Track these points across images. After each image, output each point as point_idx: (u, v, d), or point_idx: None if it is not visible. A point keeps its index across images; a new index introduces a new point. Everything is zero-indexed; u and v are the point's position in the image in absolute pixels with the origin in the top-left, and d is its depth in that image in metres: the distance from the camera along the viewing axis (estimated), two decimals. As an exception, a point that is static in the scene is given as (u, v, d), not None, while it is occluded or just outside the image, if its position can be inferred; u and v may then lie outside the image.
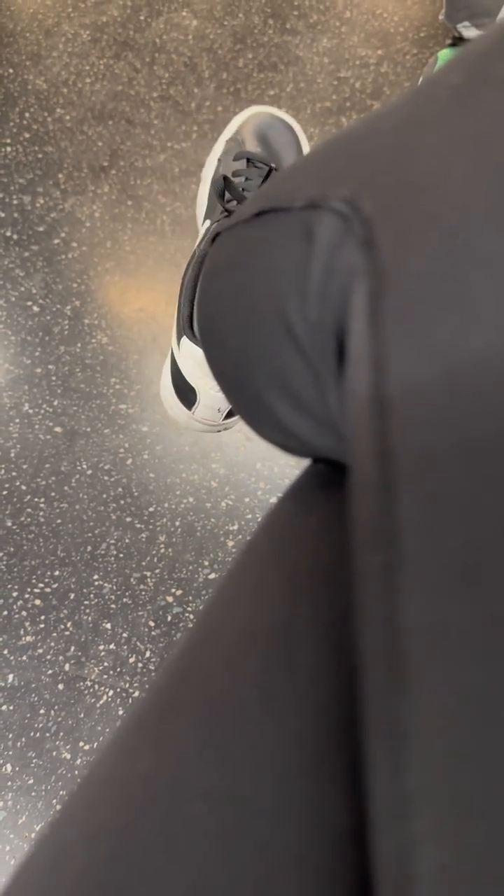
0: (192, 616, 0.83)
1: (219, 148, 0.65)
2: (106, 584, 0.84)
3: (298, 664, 0.22)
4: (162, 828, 0.19)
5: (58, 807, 0.25)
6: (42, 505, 0.86)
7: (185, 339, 0.59)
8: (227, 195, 0.59)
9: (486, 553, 0.15)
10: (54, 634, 0.82)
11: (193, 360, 0.59)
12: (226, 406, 0.61)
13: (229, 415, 0.63)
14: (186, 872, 0.19)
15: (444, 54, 0.93)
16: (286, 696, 0.21)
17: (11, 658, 0.81)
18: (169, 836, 0.19)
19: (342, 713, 0.20)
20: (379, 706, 0.16)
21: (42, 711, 0.79)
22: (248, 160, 0.62)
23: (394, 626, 0.16)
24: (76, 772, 0.77)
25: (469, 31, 0.92)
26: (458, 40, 0.96)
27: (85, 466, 0.87)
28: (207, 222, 0.61)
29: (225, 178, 0.58)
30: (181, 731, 0.22)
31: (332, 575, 0.24)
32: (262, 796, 0.19)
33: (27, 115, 1.02)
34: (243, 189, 0.60)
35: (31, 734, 0.78)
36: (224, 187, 0.58)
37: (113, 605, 0.83)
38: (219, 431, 0.67)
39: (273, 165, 0.61)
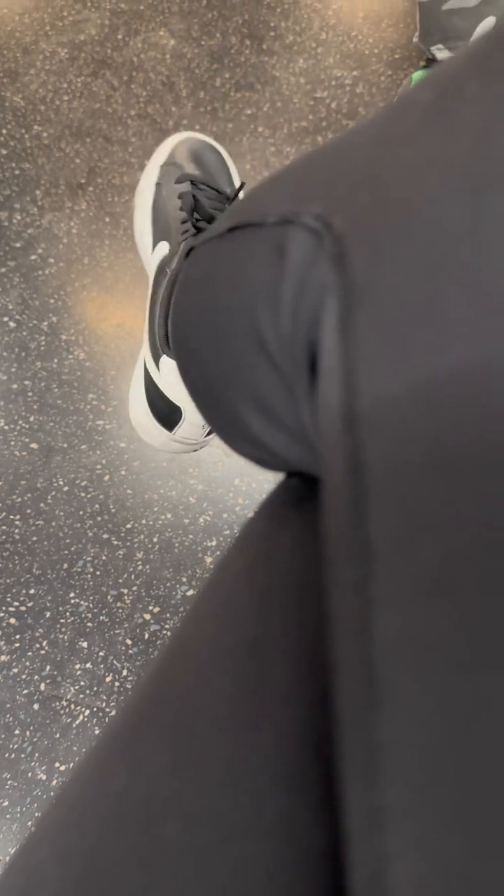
0: (169, 633, 0.83)
1: (153, 173, 0.66)
2: (82, 602, 0.83)
3: (271, 680, 0.22)
4: (135, 847, 0.19)
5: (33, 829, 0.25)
6: (17, 522, 0.85)
7: (165, 359, 0.59)
8: (196, 214, 0.60)
9: (459, 565, 0.15)
10: (30, 653, 0.81)
11: (177, 379, 0.59)
12: None
13: (211, 431, 0.63)
14: (160, 892, 0.18)
15: (418, 75, 0.95)
16: (259, 713, 0.21)
17: (-14, 678, 0.80)
18: (142, 856, 0.19)
19: (316, 728, 0.20)
20: (353, 719, 0.16)
21: (17, 732, 0.78)
22: (192, 182, 0.63)
23: (367, 638, 0.16)
24: (52, 793, 0.76)
25: (442, 54, 0.94)
26: (431, 62, 0.97)
27: (61, 483, 0.87)
28: (164, 244, 0.61)
29: (193, 195, 0.59)
30: (155, 749, 0.22)
31: (305, 590, 0.24)
32: (236, 814, 0.19)
33: (4, 131, 1.02)
34: (197, 200, 0.61)
35: (6, 755, 0.77)
36: (193, 205, 0.59)
37: (90, 624, 0.82)
38: (195, 450, 0.67)
39: (217, 185, 0.62)
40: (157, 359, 0.60)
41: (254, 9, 1.12)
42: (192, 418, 0.61)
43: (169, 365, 0.59)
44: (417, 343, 0.17)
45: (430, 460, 0.16)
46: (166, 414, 0.62)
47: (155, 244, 0.63)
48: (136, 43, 1.09)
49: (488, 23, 0.88)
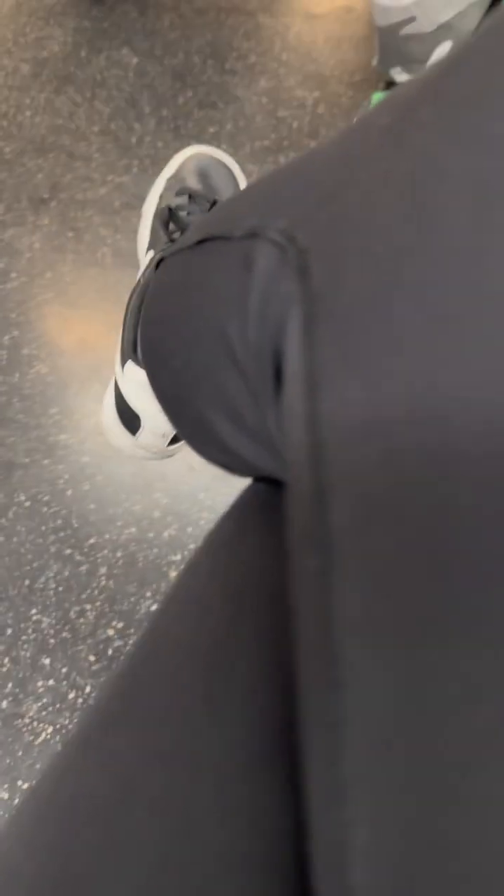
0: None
1: (160, 185, 0.67)
2: (45, 619, 0.82)
3: (239, 675, 0.23)
4: (106, 838, 0.20)
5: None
6: (-21, 538, 0.84)
7: (129, 363, 0.59)
8: (172, 225, 0.60)
9: (410, 550, 0.16)
10: (-9, 671, 0.80)
11: (137, 384, 0.59)
12: (170, 431, 0.62)
13: (173, 440, 0.63)
14: (132, 878, 0.19)
15: (378, 97, 0.97)
16: (228, 705, 0.22)
17: None
18: (113, 846, 0.20)
19: (282, 719, 0.21)
20: (316, 700, 0.17)
21: (-23, 751, 0.77)
22: (190, 196, 0.64)
23: (328, 622, 0.17)
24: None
25: (401, 77, 0.96)
26: (390, 85, 0.99)
27: (23, 498, 0.86)
28: (152, 252, 0.63)
29: (170, 208, 0.59)
30: (125, 745, 0.23)
31: (271, 589, 0.26)
32: (204, 801, 0.20)
33: (-34, 146, 1.02)
34: (189, 213, 0.61)
35: (-34, 776, 0.76)
36: (169, 217, 0.60)
37: (52, 640, 0.81)
38: (161, 459, 0.67)
39: (216, 198, 0.63)
40: (123, 362, 0.61)
41: (216, 30, 1.13)
42: (150, 425, 0.61)
43: (131, 370, 0.59)
44: (371, 352, 0.18)
45: (386, 458, 0.17)
46: (129, 418, 0.62)
47: (147, 250, 0.65)
48: (99, 60, 1.10)
49: (445, 47, 0.90)
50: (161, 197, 0.66)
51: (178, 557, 0.86)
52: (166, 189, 0.67)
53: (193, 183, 0.67)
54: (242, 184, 0.70)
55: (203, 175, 0.67)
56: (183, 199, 0.64)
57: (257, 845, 0.19)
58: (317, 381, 0.19)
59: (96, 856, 0.20)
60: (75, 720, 0.79)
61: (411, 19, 0.89)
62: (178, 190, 0.65)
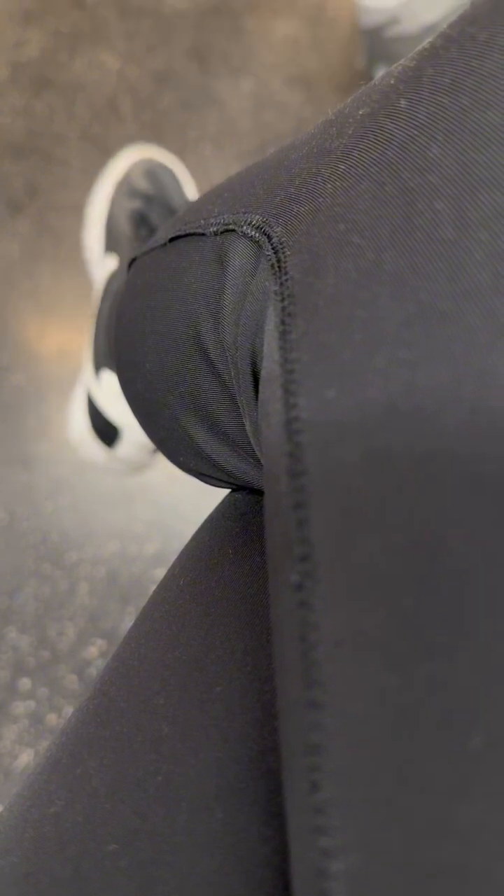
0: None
1: (107, 190, 0.67)
2: (24, 638, 0.80)
3: (215, 695, 0.22)
4: (75, 868, 0.20)
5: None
6: (-46, 555, 0.81)
7: (106, 372, 0.58)
8: (143, 230, 0.60)
9: (397, 561, 0.16)
10: (-34, 694, 0.77)
11: (117, 393, 0.58)
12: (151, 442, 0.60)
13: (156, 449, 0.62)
14: None
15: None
16: (202, 728, 0.22)
17: None
18: (82, 877, 0.19)
19: (261, 741, 0.21)
20: (294, 721, 0.16)
21: (-48, 779, 0.74)
22: (146, 199, 0.64)
23: (308, 638, 0.16)
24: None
25: (386, 78, 0.95)
26: (375, 87, 0.98)
27: (0, 513, 0.83)
28: (113, 253, 0.61)
29: (141, 213, 0.59)
30: (95, 770, 0.22)
31: (249, 604, 0.25)
32: (178, 829, 0.19)
33: None
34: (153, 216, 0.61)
35: None
36: (139, 222, 0.59)
37: (31, 660, 0.79)
38: (139, 471, 0.65)
39: (168, 202, 0.63)
40: (97, 371, 0.59)
41: (199, 32, 1.11)
42: (132, 438, 0.59)
43: (108, 379, 0.58)
44: (350, 348, 0.18)
45: (365, 461, 0.17)
46: (105, 431, 0.61)
47: (106, 253, 0.64)
48: (79, 64, 1.08)
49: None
50: (111, 202, 0.66)
51: (162, 573, 0.84)
52: (116, 193, 0.66)
53: (145, 186, 0.67)
54: (187, 186, 0.70)
55: (151, 177, 0.67)
56: (137, 204, 0.64)
57: (236, 874, 0.18)
58: (294, 382, 0.19)
59: (63, 887, 0.19)
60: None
61: (396, 21, 0.88)
62: (130, 195, 0.64)
